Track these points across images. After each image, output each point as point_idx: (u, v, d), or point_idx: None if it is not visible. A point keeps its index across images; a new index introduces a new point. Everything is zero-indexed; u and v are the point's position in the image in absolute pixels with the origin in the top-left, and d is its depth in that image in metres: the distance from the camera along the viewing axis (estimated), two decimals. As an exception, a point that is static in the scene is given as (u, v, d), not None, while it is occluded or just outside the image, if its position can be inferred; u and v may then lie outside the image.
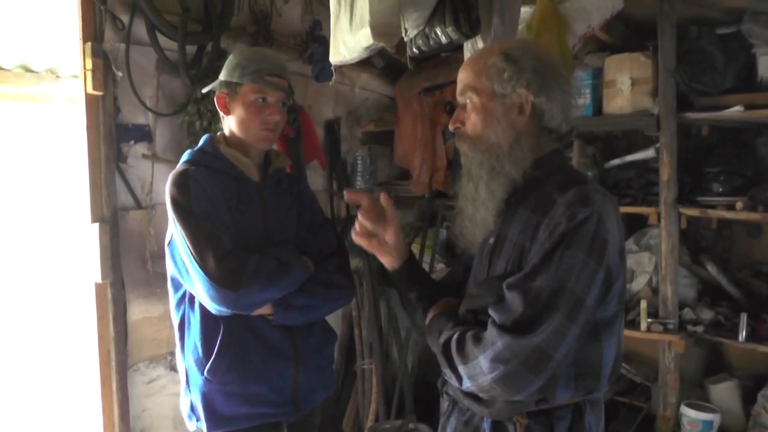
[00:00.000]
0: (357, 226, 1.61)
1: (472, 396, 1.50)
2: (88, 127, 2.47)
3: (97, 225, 2.47)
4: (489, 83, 1.48)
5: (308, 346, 1.94)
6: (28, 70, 2.59)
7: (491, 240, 1.53)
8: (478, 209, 1.51)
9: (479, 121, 1.49)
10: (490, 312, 1.39)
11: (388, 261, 1.65)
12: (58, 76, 2.66)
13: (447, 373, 1.49)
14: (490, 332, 1.36)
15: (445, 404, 1.68)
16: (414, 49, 2.29)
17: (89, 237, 2.48)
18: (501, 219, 1.52)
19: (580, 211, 1.35)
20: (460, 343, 1.43)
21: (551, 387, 1.41)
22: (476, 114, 1.50)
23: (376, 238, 1.61)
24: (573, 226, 1.34)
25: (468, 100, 1.52)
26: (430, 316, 1.60)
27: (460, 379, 1.44)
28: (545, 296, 1.32)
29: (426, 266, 3.78)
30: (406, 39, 2.23)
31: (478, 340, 1.38)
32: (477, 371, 1.37)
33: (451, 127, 1.57)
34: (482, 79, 1.49)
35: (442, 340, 1.48)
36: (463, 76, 1.54)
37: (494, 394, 1.39)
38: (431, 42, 2.22)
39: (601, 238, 1.35)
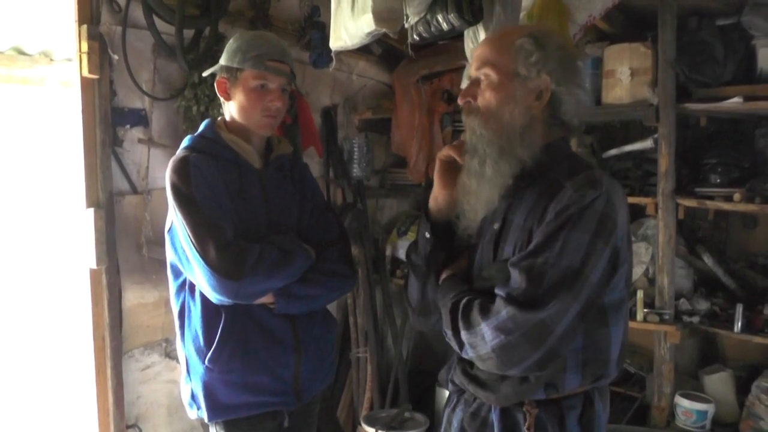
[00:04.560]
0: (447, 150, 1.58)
1: (477, 381, 1.51)
2: (83, 111, 2.45)
3: (92, 210, 2.45)
4: (513, 63, 1.46)
5: (310, 335, 1.93)
6: (21, 52, 2.55)
7: (496, 225, 1.53)
8: (483, 186, 1.49)
9: (494, 98, 1.47)
10: (497, 291, 1.40)
11: (442, 196, 1.60)
12: (51, 59, 2.62)
13: (448, 334, 1.49)
14: (497, 304, 1.37)
15: (449, 394, 1.68)
16: (415, 36, 2.27)
17: (84, 222, 2.46)
18: (507, 203, 1.51)
19: (588, 192, 1.36)
20: (467, 308, 1.44)
21: (560, 373, 1.42)
22: (492, 91, 1.47)
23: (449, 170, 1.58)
24: (581, 207, 1.35)
25: (484, 76, 1.49)
26: (443, 276, 1.59)
27: (461, 345, 1.45)
28: (548, 273, 1.34)
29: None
30: (407, 25, 2.20)
31: (484, 309, 1.40)
32: (478, 339, 1.39)
33: (460, 101, 1.54)
34: (505, 58, 1.47)
35: (452, 300, 1.49)
36: (483, 51, 1.51)
37: (491, 365, 1.39)
38: (432, 29, 2.20)
39: (610, 219, 1.37)
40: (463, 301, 1.46)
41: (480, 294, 1.46)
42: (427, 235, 1.63)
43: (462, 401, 1.61)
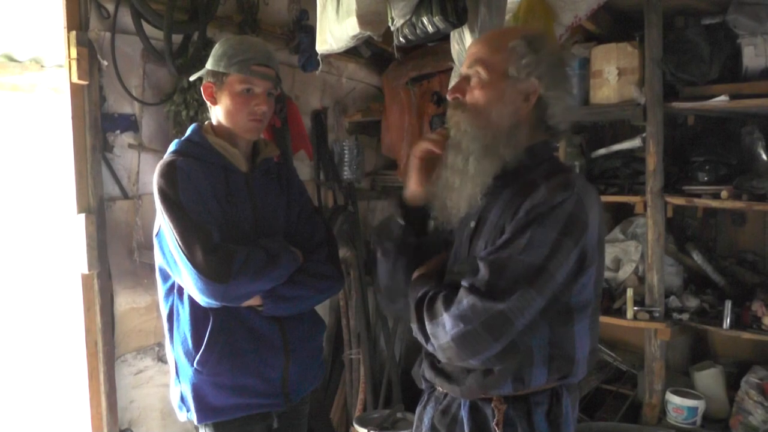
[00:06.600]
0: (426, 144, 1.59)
1: (443, 374, 1.53)
2: (73, 117, 2.45)
3: (83, 215, 2.45)
4: (504, 63, 1.48)
5: (298, 337, 1.94)
6: (11, 59, 2.55)
7: (472, 223, 1.55)
8: (466, 183, 1.50)
9: (483, 96, 1.49)
10: (462, 282, 1.42)
11: (419, 192, 1.63)
12: (42, 66, 2.63)
13: (415, 329, 1.51)
14: (460, 294, 1.40)
15: (423, 392, 1.69)
16: (401, 39, 2.28)
17: (75, 228, 2.46)
18: (485, 202, 1.53)
19: (559, 193, 1.39)
20: (432, 300, 1.46)
21: (527, 366, 1.44)
22: (481, 90, 1.50)
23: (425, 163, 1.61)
24: (550, 206, 1.38)
25: (475, 74, 1.51)
26: (415, 275, 1.61)
27: (426, 338, 1.47)
28: (510, 267, 1.36)
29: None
30: (392, 28, 2.22)
31: (448, 300, 1.42)
32: (439, 329, 1.41)
33: (449, 96, 1.56)
34: (498, 57, 1.49)
35: (418, 295, 1.51)
36: (477, 50, 1.54)
37: (450, 354, 1.41)
38: (418, 31, 2.21)
39: (579, 219, 1.39)
40: (429, 294, 1.48)
41: (448, 288, 1.48)
42: (401, 221, 1.66)
43: (433, 398, 1.63)
